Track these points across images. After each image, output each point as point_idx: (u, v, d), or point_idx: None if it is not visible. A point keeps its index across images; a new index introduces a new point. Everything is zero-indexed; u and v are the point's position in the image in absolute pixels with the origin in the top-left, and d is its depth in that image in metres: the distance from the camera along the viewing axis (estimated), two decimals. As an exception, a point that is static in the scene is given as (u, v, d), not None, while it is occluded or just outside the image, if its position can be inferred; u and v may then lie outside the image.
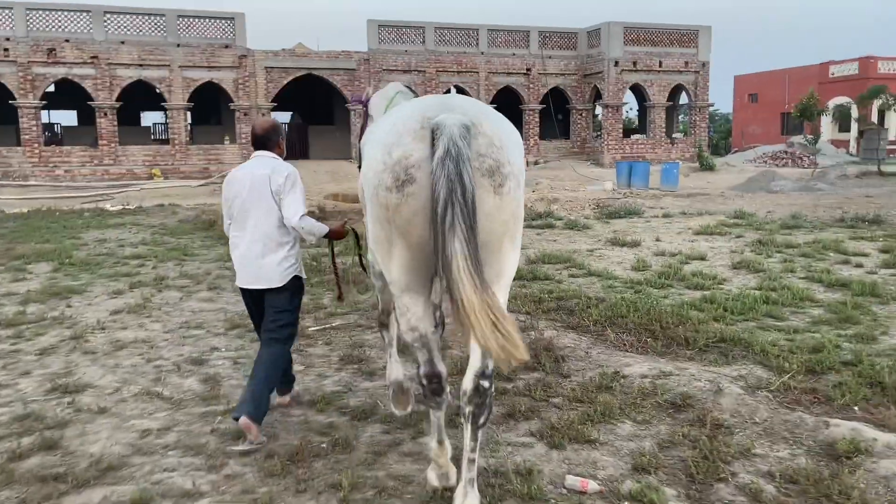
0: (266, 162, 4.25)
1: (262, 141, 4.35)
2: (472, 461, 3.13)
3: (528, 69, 33.70)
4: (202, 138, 31.59)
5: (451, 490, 3.29)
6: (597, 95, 34.58)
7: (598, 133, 37.88)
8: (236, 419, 3.93)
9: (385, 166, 2.94)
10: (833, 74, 42.05)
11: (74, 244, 12.70)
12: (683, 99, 36.56)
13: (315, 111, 36.51)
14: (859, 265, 9.45)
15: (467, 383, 3.07)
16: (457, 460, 3.37)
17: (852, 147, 39.65)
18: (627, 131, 37.04)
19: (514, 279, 3.48)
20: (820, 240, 11.66)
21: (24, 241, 13.33)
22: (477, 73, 33.03)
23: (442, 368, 3.22)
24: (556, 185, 26.28)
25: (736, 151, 42.32)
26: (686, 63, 34.12)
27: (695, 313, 6.75)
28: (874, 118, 38.41)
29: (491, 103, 33.30)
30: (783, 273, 8.93)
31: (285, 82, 30.55)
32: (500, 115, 3.23)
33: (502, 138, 2.97)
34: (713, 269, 9.54)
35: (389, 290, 3.42)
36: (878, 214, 14.20)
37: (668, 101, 34.56)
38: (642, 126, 38.07)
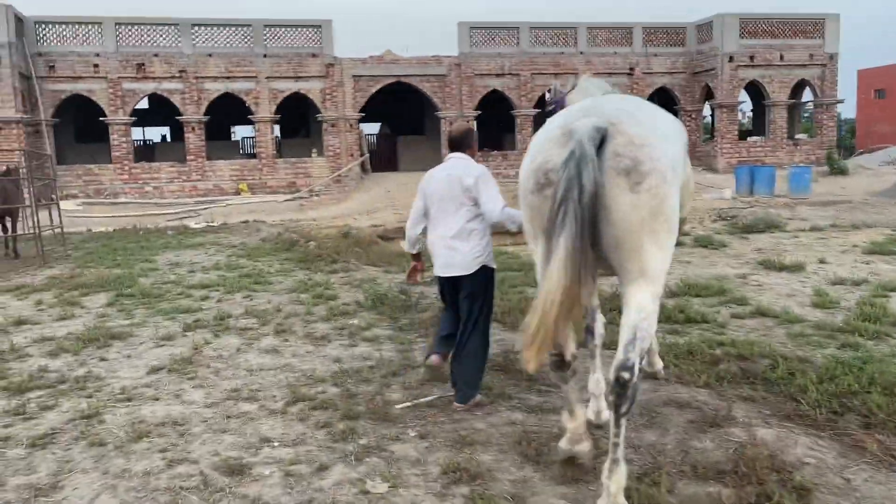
0: (459, 163, 4.68)
1: (458, 143, 4.78)
2: (615, 445, 3.15)
3: (631, 69, 31.12)
4: (290, 152, 30.73)
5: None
6: (708, 95, 31.55)
7: (709, 136, 34.75)
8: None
9: (529, 171, 3.26)
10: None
11: (143, 269, 11.48)
12: (806, 96, 32.96)
13: (404, 121, 35.14)
14: None
15: (610, 374, 3.11)
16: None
17: None
18: (741, 133, 33.70)
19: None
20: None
21: (95, 264, 12.26)
22: (576, 74, 30.65)
23: (570, 347, 3.38)
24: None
25: (861, 153, 38.03)
26: (811, 56, 30.61)
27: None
28: None
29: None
30: None
31: (374, 90, 29.26)
32: (656, 110, 3.45)
33: (645, 136, 3.02)
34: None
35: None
36: None
37: (789, 98, 31.14)
38: (758, 127, 34.63)
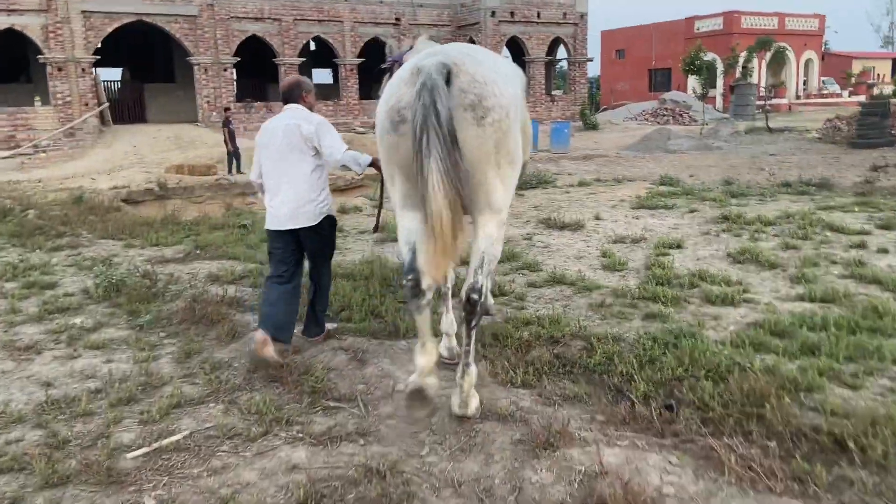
0: (296, 114, 4.66)
1: (287, 96, 4.79)
2: (467, 352, 3.59)
3: (397, 19, 30.35)
4: (6, 99, 25.78)
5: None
6: (473, 49, 31.93)
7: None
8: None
9: (384, 113, 3.47)
10: (698, 29, 41.94)
11: None
12: (561, 53, 34.72)
13: (152, 67, 31.25)
14: (884, 250, 7.39)
15: (462, 294, 3.47)
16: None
17: (719, 104, 39.76)
18: (504, 88, 34.76)
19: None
20: (789, 213, 9.66)
21: None
22: (341, 22, 29.27)
23: (420, 271, 3.37)
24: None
25: (605, 109, 41.38)
26: (564, 14, 32.15)
27: (789, 366, 4.22)
28: (737, 74, 38.58)
29: (358, 56, 29.80)
30: (806, 268, 6.67)
31: (110, 30, 25.37)
32: (495, 56, 3.91)
33: (485, 74, 3.31)
34: (708, 263, 7.16)
35: None
36: (824, 178, 12.56)
37: (546, 55, 32.55)
38: (519, 82, 36.02)
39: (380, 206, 5.24)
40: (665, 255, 7.60)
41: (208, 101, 27.17)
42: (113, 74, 33.23)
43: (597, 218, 10.19)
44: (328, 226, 4.78)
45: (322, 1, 28.99)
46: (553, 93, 34.31)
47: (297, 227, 4.59)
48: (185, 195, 17.55)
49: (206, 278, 7.06)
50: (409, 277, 3.44)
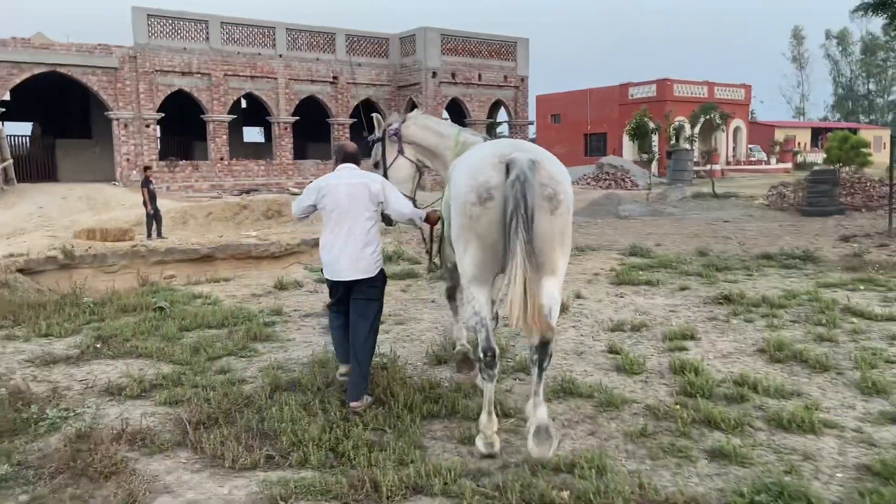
0: (355, 172, 4.94)
1: (353, 157, 5.09)
2: (536, 392, 4.02)
3: (334, 77, 29.26)
4: None
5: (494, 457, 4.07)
6: (412, 109, 31.05)
7: (414, 151, 34.48)
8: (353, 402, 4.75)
9: (470, 188, 3.98)
10: (633, 96, 42.55)
11: None
12: (501, 116, 34.28)
13: (66, 121, 28.98)
14: (933, 344, 6.30)
15: (534, 341, 3.97)
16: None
17: (654, 169, 40.04)
18: (443, 150, 33.93)
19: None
20: (793, 292, 8.63)
21: None
22: (275, 79, 27.93)
23: (495, 346, 4.09)
24: (382, 212, 22.20)
25: (543, 172, 41.02)
26: (505, 77, 31.78)
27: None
28: (672, 140, 39.09)
29: (293, 114, 28.46)
30: (865, 370, 5.47)
31: (18, 81, 23.23)
32: (552, 156, 4.27)
33: (559, 174, 4.07)
34: (741, 362, 5.90)
35: (458, 273, 4.68)
36: (807, 251, 11.71)
37: (487, 117, 31.97)
38: (459, 144, 35.28)
39: (430, 255, 5.74)
40: (681, 348, 6.32)
41: (128, 159, 25.12)
42: (22, 129, 30.72)
43: (578, 297, 8.92)
44: (380, 279, 5.01)
45: (255, 57, 27.66)
46: (494, 155, 33.65)
47: (357, 278, 4.82)
48: (96, 263, 15.36)
49: (103, 391, 5.31)
50: (488, 354, 4.05)
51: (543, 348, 3.95)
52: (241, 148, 31.84)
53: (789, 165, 44.84)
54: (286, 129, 28.39)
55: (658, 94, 40.88)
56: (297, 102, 28.65)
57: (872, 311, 7.41)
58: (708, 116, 28.28)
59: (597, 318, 7.78)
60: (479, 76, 30.97)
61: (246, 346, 6.72)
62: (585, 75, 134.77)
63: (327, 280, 5.04)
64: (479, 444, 4.09)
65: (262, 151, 30.49)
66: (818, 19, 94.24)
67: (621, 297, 9.06)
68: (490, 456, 4.03)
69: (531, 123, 34.07)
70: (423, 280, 10.47)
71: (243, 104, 32.46)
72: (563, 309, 8.10)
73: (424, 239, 5.77)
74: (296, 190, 26.64)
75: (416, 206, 5.37)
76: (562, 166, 4.20)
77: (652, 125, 28.77)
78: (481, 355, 4.07)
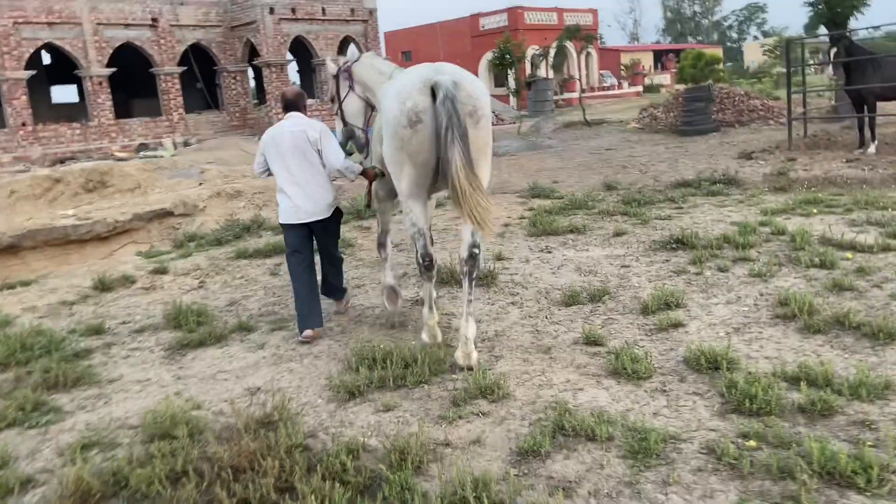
0: (299, 120, 5.31)
1: (294, 104, 5.45)
2: (469, 301, 4.43)
3: (154, 19, 25.18)
4: None
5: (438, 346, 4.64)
6: (252, 53, 27.54)
7: (259, 101, 30.92)
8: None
9: (400, 112, 4.26)
10: (484, 27, 40.86)
11: None
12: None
13: None
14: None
15: (463, 252, 4.44)
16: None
17: (512, 101, 38.90)
18: (291, 96, 30.67)
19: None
20: (747, 225, 7.28)
21: None
22: (79, 24, 23.50)
23: (432, 252, 4.64)
24: (230, 172, 19.17)
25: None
26: (352, 10, 28.89)
27: None
28: (527, 71, 37.97)
29: (109, 66, 24.33)
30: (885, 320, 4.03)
31: None
32: (470, 74, 4.54)
33: (477, 91, 4.36)
34: (772, 341, 4.30)
35: (388, 215, 5.68)
36: (726, 173, 10.53)
37: (337, 56, 29.11)
38: (308, 89, 32.06)
39: (370, 189, 5.56)
40: (674, 324, 4.67)
41: None
42: None
43: (498, 258, 7.09)
44: (336, 215, 5.48)
45: (54, 2, 23.08)
46: (348, 98, 30.90)
47: (316, 219, 5.25)
48: None
49: None
50: (426, 259, 4.59)
51: (472, 259, 4.43)
52: (49, 111, 27.10)
53: (640, 88, 45.34)
54: (101, 83, 24.20)
55: (510, 23, 39.46)
56: (112, 52, 24.43)
57: (859, 242, 6.11)
58: (572, 39, 27.12)
59: (537, 287, 6.00)
60: (324, 10, 27.92)
61: (40, 402, 4.32)
62: (434, 8, 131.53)
63: (283, 225, 5.41)
64: (424, 335, 4.79)
65: (77, 113, 26.02)
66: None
67: (549, 251, 7.35)
68: (435, 345, 4.64)
69: (387, 59, 31.48)
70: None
71: (47, 59, 27.55)
72: (491, 277, 6.26)
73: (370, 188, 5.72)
74: (123, 154, 22.86)
75: (367, 138, 5.52)
76: (479, 83, 4.54)
77: (517, 55, 27.21)
78: (420, 260, 4.63)
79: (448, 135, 4.05)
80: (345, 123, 5.59)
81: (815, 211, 7.72)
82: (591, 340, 4.52)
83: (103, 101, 24.18)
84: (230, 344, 5.28)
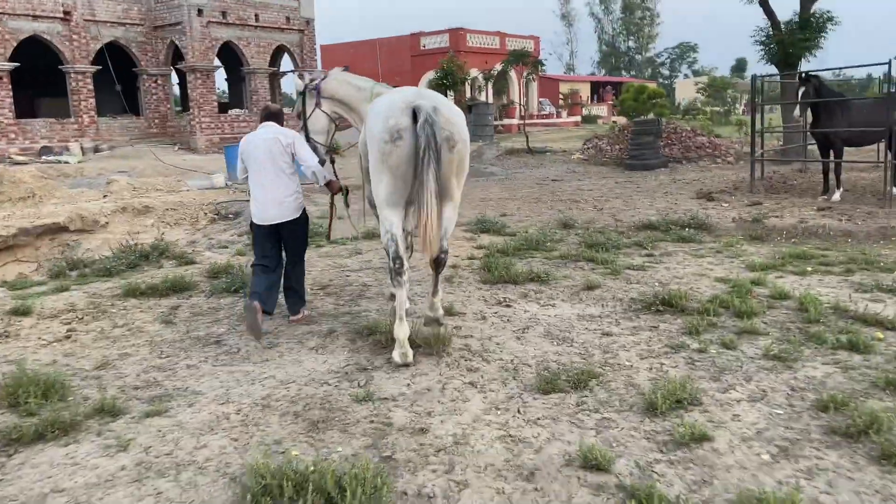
0: (273, 128, 5.61)
1: (275, 116, 5.78)
2: (436, 291, 5.23)
3: (66, 13, 22.95)
4: None
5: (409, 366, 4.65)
6: (176, 56, 25.57)
7: (182, 108, 28.85)
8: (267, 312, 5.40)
9: (384, 129, 4.60)
10: (424, 46, 39.81)
11: None
12: (286, 65, 29.81)
13: None
14: None
15: (432, 257, 4.78)
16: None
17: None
18: (220, 106, 28.74)
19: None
20: (737, 283, 6.25)
21: None
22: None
23: (403, 256, 4.76)
24: (141, 184, 17.26)
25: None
26: (287, 19, 27.28)
27: None
28: (467, 94, 37.14)
29: (11, 59, 21.99)
30: None
31: None
32: (450, 101, 5.10)
33: (454, 117, 4.78)
34: (835, 471, 3.14)
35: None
36: (693, 216, 9.57)
37: (270, 65, 27.39)
38: (236, 98, 30.19)
39: (331, 218, 6.29)
40: (696, 437, 3.45)
41: None
42: None
43: (449, 313, 5.78)
44: (304, 219, 5.73)
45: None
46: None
47: (283, 220, 5.52)
48: None
49: None
50: (397, 262, 4.71)
51: (439, 262, 4.94)
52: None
53: (578, 118, 45.23)
54: (1, 78, 21.80)
55: (451, 45, 38.57)
56: (16, 44, 22.08)
57: (886, 317, 5.10)
58: (519, 64, 26.26)
59: (501, 359, 4.75)
60: (257, 16, 26.21)
61: None
62: (372, 25, 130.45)
63: (253, 225, 5.69)
64: (396, 355, 4.73)
65: (-27, 109, 23.43)
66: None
67: (508, 305, 6.13)
68: (405, 365, 4.65)
69: (323, 73, 29.95)
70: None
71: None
72: (441, 341, 4.96)
73: (331, 207, 6.22)
74: (21, 158, 20.53)
75: (330, 153, 6.10)
76: (456, 110, 4.95)
77: (459, 76, 26.16)
78: (391, 264, 4.76)
79: (425, 157, 4.43)
80: (308, 139, 5.86)
81: (809, 269, 6.75)
82: (591, 461, 3.25)
83: (2, 98, 21.76)
84: (82, 439, 3.77)
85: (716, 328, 5.17)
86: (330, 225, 6.37)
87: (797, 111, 11.16)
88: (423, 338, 5.03)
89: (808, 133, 12.09)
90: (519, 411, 3.93)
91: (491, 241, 8.89)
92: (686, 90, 66.31)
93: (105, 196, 15.94)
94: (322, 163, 5.77)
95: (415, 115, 4.52)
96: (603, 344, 4.99)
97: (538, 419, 3.81)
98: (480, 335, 5.31)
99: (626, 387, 4.19)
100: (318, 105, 5.90)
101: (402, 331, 4.68)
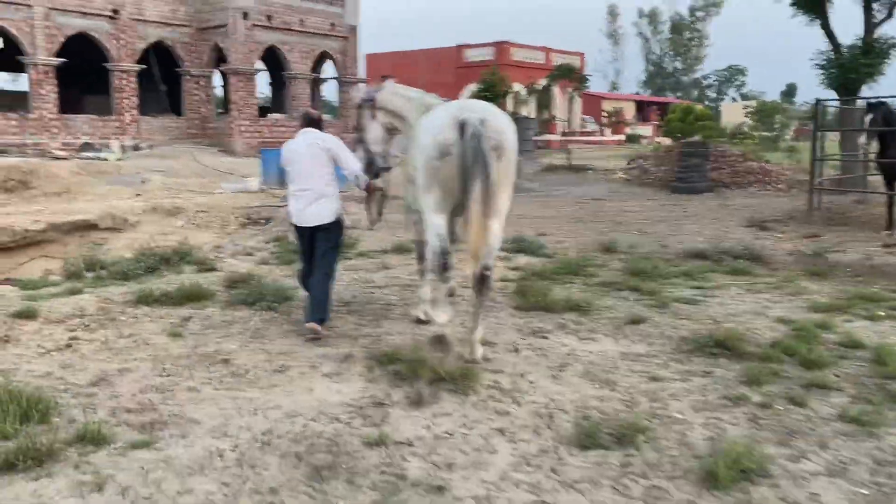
0: (314, 134, 5.75)
1: (316, 122, 5.95)
2: (476, 315, 4.99)
3: (115, 11, 23.14)
4: None
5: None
6: (219, 58, 25.60)
7: (223, 110, 28.93)
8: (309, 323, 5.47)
9: (433, 145, 4.81)
10: (468, 58, 39.57)
11: None
12: (329, 72, 29.70)
13: None
14: None
15: (476, 272, 4.77)
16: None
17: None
18: (259, 109, 28.71)
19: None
20: (797, 326, 5.62)
21: None
22: (29, 6, 21.37)
23: (450, 250, 4.96)
24: (176, 184, 17.14)
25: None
26: (332, 25, 27.19)
27: None
28: (508, 107, 36.65)
29: (59, 55, 22.20)
30: None
31: None
32: (500, 110, 5.19)
33: (502, 125, 4.84)
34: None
35: (422, 228, 5.44)
36: (748, 247, 8.91)
37: (312, 71, 27.30)
38: (277, 103, 30.17)
39: (369, 213, 6.36)
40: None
41: None
42: None
43: (476, 363, 5.25)
44: (338, 226, 5.80)
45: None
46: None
47: (319, 223, 5.63)
48: None
49: None
50: (444, 258, 4.86)
51: (483, 280, 4.84)
52: (-10, 97, 24.77)
53: (622, 137, 44.41)
54: (48, 73, 21.99)
55: (496, 58, 38.21)
56: (64, 40, 22.29)
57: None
58: (566, 79, 25.69)
59: (534, 402, 4.23)
60: (302, 21, 26.16)
61: None
62: (417, 36, 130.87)
63: (294, 226, 5.90)
64: (435, 328, 4.99)
65: (21, 103, 23.71)
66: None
67: (543, 336, 5.61)
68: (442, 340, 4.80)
69: (363, 81, 29.81)
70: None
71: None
72: (468, 376, 4.44)
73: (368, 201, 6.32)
74: (62, 153, 20.62)
75: (386, 163, 6.13)
76: (505, 118, 5.00)
77: (502, 89, 25.73)
78: (438, 259, 4.88)
79: (474, 170, 4.54)
80: (366, 150, 6.07)
81: (881, 314, 6.07)
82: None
83: (47, 93, 21.96)
84: (56, 472, 3.33)
85: (780, 379, 4.56)
86: (369, 212, 6.41)
87: (863, 139, 10.42)
88: (447, 372, 4.52)
89: (871, 163, 11.33)
90: (553, 470, 3.39)
91: (527, 263, 8.37)
92: (733, 113, 64.86)
93: (138, 195, 15.81)
94: (379, 172, 6.09)
95: (462, 129, 4.65)
96: (650, 390, 4.42)
97: (575, 482, 3.27)
98: (512, 371, 4.79)
99: (679, 446, 3.63)
100: (373, 116, 6.10)
101: (445, 315, 4.91)
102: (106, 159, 20.84)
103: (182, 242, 9.14)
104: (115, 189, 16.45)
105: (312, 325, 5.42)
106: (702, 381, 4.59)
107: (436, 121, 4.92)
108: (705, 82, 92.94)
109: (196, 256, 8.51)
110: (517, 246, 9.30)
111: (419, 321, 5.82)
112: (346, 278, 7.42)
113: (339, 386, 4.53)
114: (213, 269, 8.03)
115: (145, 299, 6.47)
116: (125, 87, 23.68)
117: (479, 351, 4.95)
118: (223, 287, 7.10)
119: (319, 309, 5.54)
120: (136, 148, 23.06)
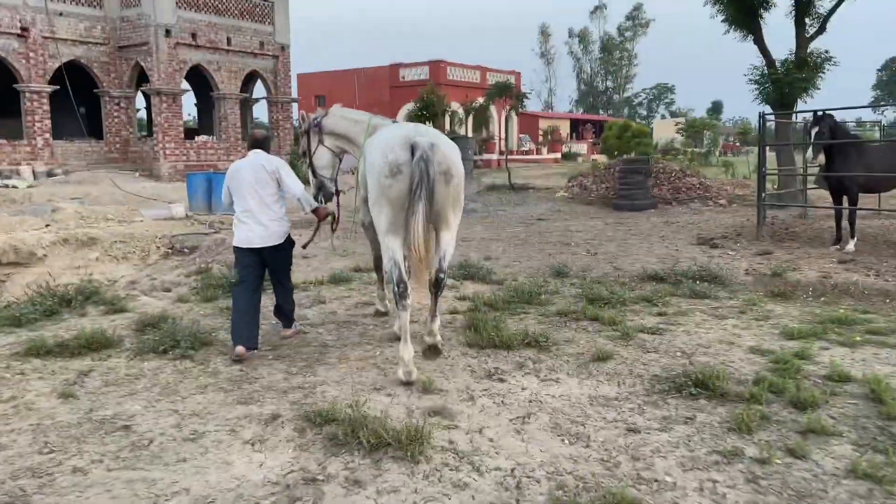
0: (260, 156, 5.74)
1: (262, 143, 5.89)
2: (434, 309, 5.40)
3: (24, 28, 21.65)
4: None
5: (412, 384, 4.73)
6: (141, 78, 24.29)
7: (146, 132, 27.48)
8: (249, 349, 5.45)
9: (384, 164, 4.91)
10: (404, 77, 39.05)
11: None
12: (259, 92, 28.64)
13: None
14: None
15: (432, 276, 5.12)
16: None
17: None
18: (186, 131, 27.41)
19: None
20: (775, 357, 5.15)
21: None
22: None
23: (406, 279, 5.00)
24: (92, 213, 15.86)
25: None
26: (261, 44, 26.18)
27: None
28: (446, 127, 36.25)
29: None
30: None
31: None
32: (447, 138, 5.31)
33: (451, 153, 5.04)
34: None
35: (379, 243, 5.41)
36: (704, 267, 8.48)
37: (241, 91, 26.21)
38: (205, 125, 28.91)
39: (313, 236, 6.42)
40: None
41: None
42: None
43: (425, 390, 4.58)
44: (288, 244, 5.84)
45: None
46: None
47: (266, 245, 5.64)
48: None
49: None
50: (401, 286, 4.92)
51: (438, 283, 5.16)
52: None
53: (558, 155, 44.63)
54: (-51, 95, 20.37)
55: (431, 77, 37.82)
56: (-32, 60, 20.71)
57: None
58: (503, 97, 25.42)
59: (497, 468, 3.55)
60: (229, 40, 25.10)
61: None
62: (351, 55, 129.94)
63: (237, 248, 5.75)
64: (400, 373, 4.84)
65: (-80, 128, 21.92)
66: (563, 19, 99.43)
67: (501, 379, 4.96)
68: (408, 383, 4.75)
69: (295, 101, 28.87)
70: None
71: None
72: (416, 437, 3.73)
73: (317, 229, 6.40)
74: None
75: (337, 188, 6.34)
76: (453, 146, 5.17)
77: (441, 108, 25.23)
78: (395, 288, 4.94)
79: (418, 189, 4.75)
80: (314, 175, 6.24)
81: (857, 339, 5.66)
82: None
83: (-51, 117, 20.31)
84: None
85: (770, 424, 4.02)
86: (310, 240, 6.43)
87: (810, 153, 10.23)
88: (392, 434, 3.81)
89: (810, 177, 11.18)
90: None
91: (476, 291, 7.72)
92: (664, 130, 66.38)
93: (48, 225, 14.52)
94: (330, 196, 6.23)
95: (412, 151, 4.81)
96: (630, 445, 3.81)
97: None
98: (468, 425, 4.11)
99: (676, 524, 3.01)
100: (321, 142, 6.22)
101: (406, 352, 4.85)
102: (15, 187, 19.33)
103: (86, 279, 8.12)
104: (22, 219, 15.10)
105: (290, 331, 5.95)
106: (685, 429, 4.01)
107: (388, 141, 5.03)
108: (636, 100, 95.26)
109: (103, 296, 7.54)
110: (465, 272, 8.67)
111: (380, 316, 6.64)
112: (273, 316, 6.61)
113: (263, 456, 3.76)
114: (122, 311, 7.10)
115: (36, 350, 5.55)
116: (37, 110, 22.15)
117: (439, 337, 5.52)
118: (132, 331, 6.21)
119: (291, 314, 6.04)
120: (49, 174, 21.54)
